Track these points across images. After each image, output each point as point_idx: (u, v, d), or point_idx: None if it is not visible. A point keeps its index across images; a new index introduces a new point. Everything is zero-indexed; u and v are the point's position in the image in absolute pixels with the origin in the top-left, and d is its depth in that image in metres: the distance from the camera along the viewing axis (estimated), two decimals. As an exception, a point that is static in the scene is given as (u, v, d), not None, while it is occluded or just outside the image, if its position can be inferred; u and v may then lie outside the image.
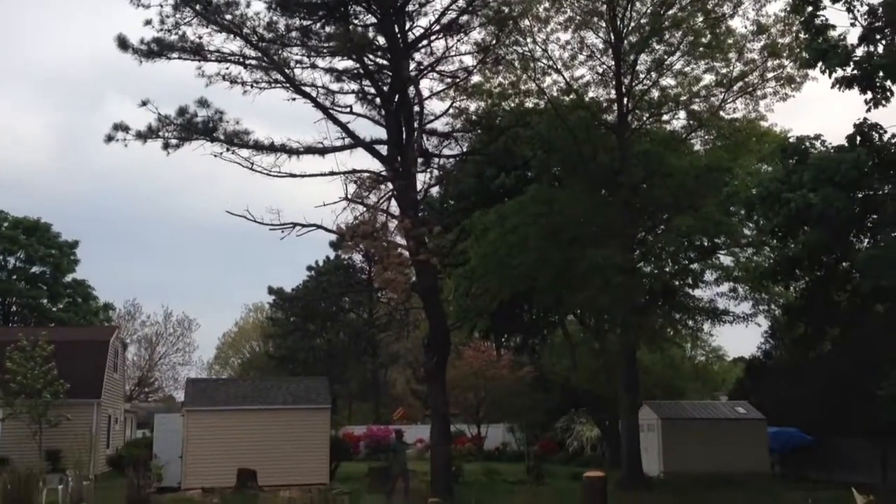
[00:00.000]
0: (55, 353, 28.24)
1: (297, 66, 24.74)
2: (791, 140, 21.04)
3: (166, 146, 23.39)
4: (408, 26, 25.40)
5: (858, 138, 19.56)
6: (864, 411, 27.79)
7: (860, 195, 19.17)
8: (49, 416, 27.27)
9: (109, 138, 22.99)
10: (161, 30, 23.13)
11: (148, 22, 23.02)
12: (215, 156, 23.67)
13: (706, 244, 28.65)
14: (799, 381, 32.21)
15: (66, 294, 54.84)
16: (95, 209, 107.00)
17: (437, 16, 24.96)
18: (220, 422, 27.70)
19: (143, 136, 23.09)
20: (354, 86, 25.68)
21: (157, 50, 22.92)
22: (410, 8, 25.17)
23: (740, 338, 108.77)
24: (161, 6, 23.04)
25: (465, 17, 25.20)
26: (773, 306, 29.41)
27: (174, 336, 59.57)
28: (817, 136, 20.18)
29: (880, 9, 18.83)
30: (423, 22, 25.52)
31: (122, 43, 22.67)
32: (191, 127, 23.22)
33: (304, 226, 23.18)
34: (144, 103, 22.92)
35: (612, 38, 27.31)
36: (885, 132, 19.69)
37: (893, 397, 25.66)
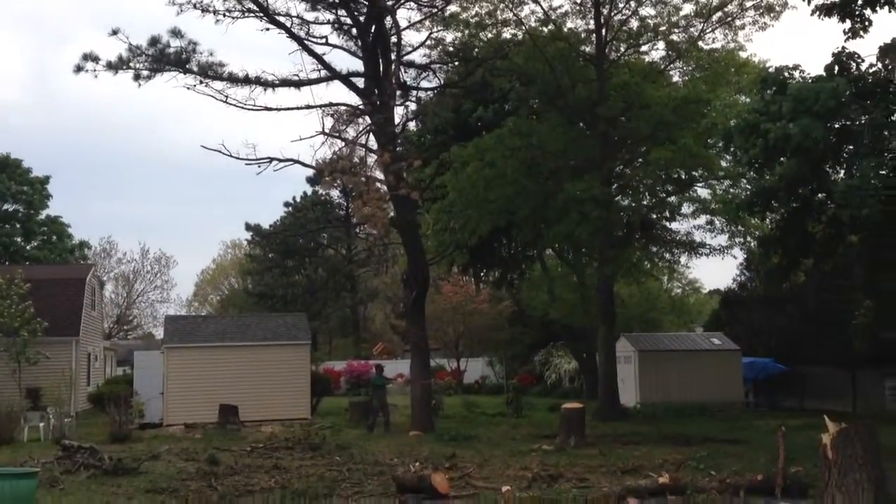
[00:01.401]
0: (31, 291, 28.03)
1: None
2: (770, 70, 20.88)
3: (137, 77, 22.90)
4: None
5: (837, 68, 19.48)
6: (835, 340, 28.36)
7: (837, 125, 19.17)
8: (28, 354, 27.17)
9: (79, 69, 22.47)
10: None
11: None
12: (188, 88, 23.29)
13: (683, 177, 28.73)
14: (773, 312, 32.70)
15: (41, 232, 54.22)
16: (67, 145, 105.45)
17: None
18: (201, 359, 27.76)
19: (113, 67, 22.57)
20: (330, 15, 25.15)
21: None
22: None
23: (716, 270, 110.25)
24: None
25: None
26: (749, 238, 29.68)
27: (152, 273, 59.40)
28: (796, 67, 20.06)
29: (862, -65, 18.55)
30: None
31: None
32: (163, 58, 22.70)
33: (280, 160, 22.91)
34: (115, 32, 22.35)
35: (591, -36, 26.84)
36: (863, 61, 19.61)
37: (865, 326, 26.19)
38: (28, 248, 53.00)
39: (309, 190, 60.40)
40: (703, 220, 29.45)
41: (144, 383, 28.31)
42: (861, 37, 19.44)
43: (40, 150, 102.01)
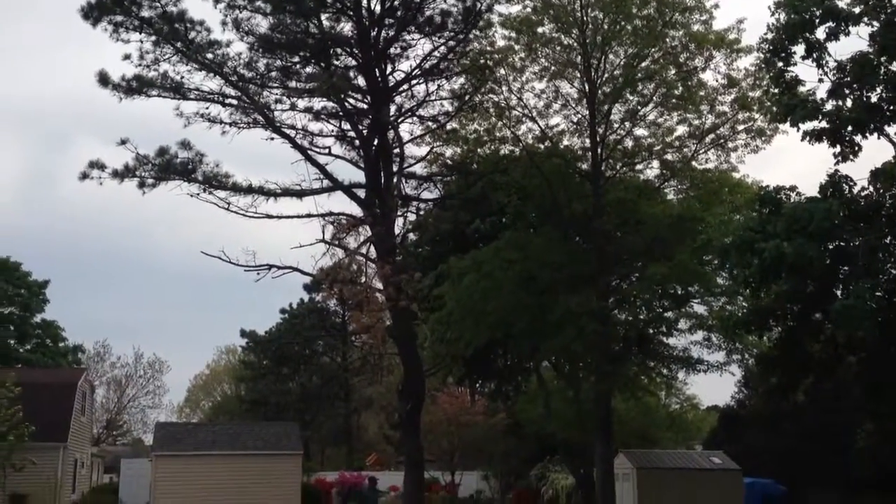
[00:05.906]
0: (22, 394, 27.68)
1: (277, 105, 24.76)
2: (767, 189, 21.26)
3: (142, 185, 23.20)
4: (389, 70, 25.51)
5: (830, 189, 19.85)
6: (837, 462, 27.88)
7: (832, 246, 19.39)
8: (13, 460, 26.61)
9: (84, 176, 22.75)
10: (140, 65, 23.08)
11: (127, 56, 22.98)
12: (191, 196, 23.56)
13: (680, 292, 28.79)
14: (773, 432, 32.25)
15: (35, 335, 53.88)
16: (66, 248, 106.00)
17: (418, 61, 25.16)
18: (190, 467, 27.22)
19: (119, 175, 22.87)
20: (333, 127, 25.73)
21: (136, 87, 22.81)
22: (392, 52, 25.33)
23: (714, 386, 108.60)
24: (141, 42, 23.01)
25: (444, 64, 25.42)
26: (747, 356, 29.50)
27: (144, 378, 58.85)
28: (793, 188, 20.43)
29: (848, 65, 19.27)
30: (405, 66, 25.67)
31: (103, 79, 22.57)
32: (169, 167, 23.06)
33: (279, 268, 23.06)
34: (123, 142, 22.77)
35: (587, 88, 27.63)
36: (855, 184, 20.01)
37: (868, 450, 25.79)
38: (21, 350, 52.58)
39: (306, 297, 60.47)
40: (699, 335, 29.37)
41: (131, 491, 27.69)
42: (851, 160, 19.93)
43: (37, 251, 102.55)
